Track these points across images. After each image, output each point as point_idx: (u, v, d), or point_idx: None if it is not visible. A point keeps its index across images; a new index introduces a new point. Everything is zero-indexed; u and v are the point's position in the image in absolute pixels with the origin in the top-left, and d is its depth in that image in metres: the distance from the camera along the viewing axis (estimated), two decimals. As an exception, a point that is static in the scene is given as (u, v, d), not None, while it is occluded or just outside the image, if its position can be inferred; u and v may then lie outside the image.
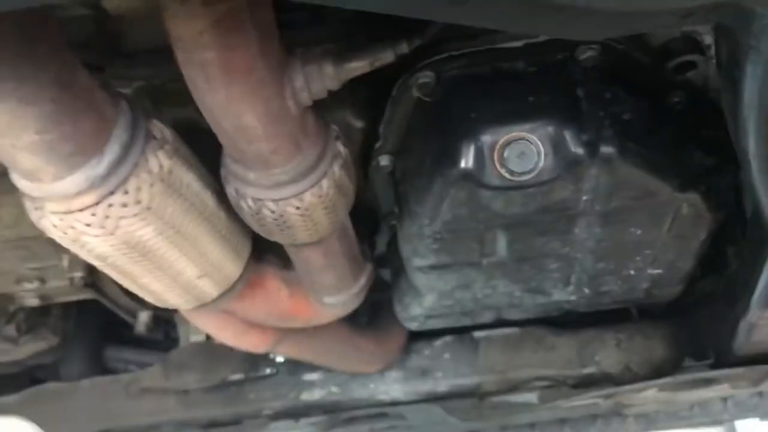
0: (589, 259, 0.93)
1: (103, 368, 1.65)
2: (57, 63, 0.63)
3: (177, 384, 1.46)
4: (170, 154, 0.73)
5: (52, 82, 0.62)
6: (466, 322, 1.10)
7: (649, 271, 0.97)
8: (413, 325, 1.08)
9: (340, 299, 1.03)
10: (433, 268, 0.92)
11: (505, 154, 0.73)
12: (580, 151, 0.74)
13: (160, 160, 0.71)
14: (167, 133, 0.74)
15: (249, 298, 1.00)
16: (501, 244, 0.88)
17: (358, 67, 0.69)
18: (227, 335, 1.12)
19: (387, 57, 0.70)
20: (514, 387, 1.46)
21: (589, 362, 1.44)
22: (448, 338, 1.48)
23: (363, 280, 1.03)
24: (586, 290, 1.01)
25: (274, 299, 1.04)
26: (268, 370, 1.48)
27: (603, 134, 0.74)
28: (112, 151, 0.67)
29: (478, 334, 1.48)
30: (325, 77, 0.68)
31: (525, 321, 1.40)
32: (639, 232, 0.87)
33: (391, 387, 1.48)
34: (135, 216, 0.65)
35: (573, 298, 1.03)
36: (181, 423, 1.52)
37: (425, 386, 1.47)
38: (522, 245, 0.89)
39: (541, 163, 0.72)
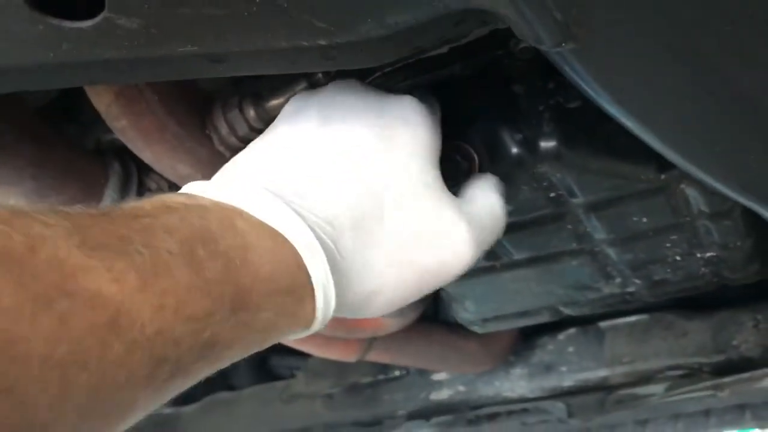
0: (612, 252, 0.86)
1: (271, 375, 1.81)
2: (30, 143, 0.75)
3: (315, 390, 1.58)
4: None
5: (28, 162, 0.74)
6: (527, 322, 1.06)
7: (699, 254, 0.88)
8: (475, 328, 1.07)
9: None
10: (447, 276, 0.91)
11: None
12: (517, 151, 0.70)
13: None
14: (164, 184, 0.84)
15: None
16: (505, 249, 0.86)
17: (278, 104, 0.73)
18: (311, 348, 1.20)
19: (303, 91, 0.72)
20: (644, 378, 1.37)
21: (726, 347, 1.31)
22: (571, 331, 1.43)
23: (411, 290, 1.04)
24: (637, 281, 0.93)
25: (336, 314, 1.10)
26: (397, 372, 1.54)
27: (542, 130, 0.69)
28: None
29: (603, 324, 1.41)
30: (249, 120, 0.73)
31: (653, 306, 1.31)
32: (645, 220, 0.79)
33: (517, 384, 1.46)
34: None
35: (631, 289, 0.96)
36: (328, 425, 1.63)
37: (550, 382, 1.43)
38: (527, 247, 0.85)
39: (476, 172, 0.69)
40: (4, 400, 0.28)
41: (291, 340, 1.17)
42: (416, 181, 0.55)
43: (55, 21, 0.42)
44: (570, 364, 1.42)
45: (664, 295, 0.99)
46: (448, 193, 0.58)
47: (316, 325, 0.49)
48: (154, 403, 0.38)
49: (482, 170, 0.69)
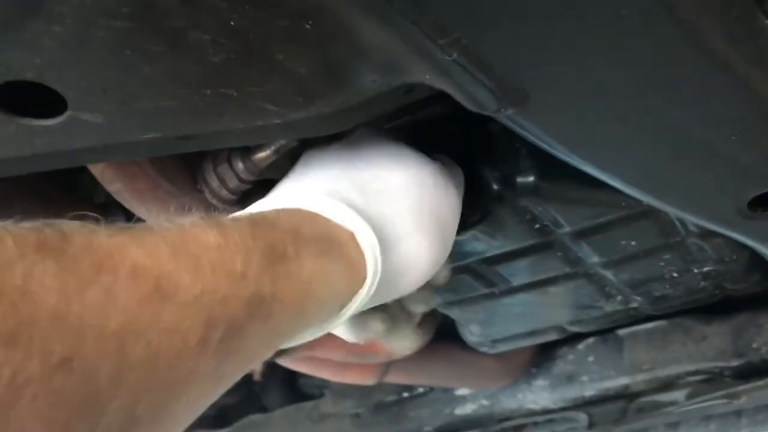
0: (607, 273, 0.87)
1: (301, 395, 1.84)
2: (38, 207, 0.78)
3: (342, 409, 1.60)
4: None
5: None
6: (535, 341, 1.07)
7: (696, 270, 0.88)
8: (484, 350, 1.08)
9: (400, 336, 1.07)
10: (449, 304, 0.93)
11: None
12: (497, 187, 0.72)
13: None
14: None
15: (320, 344, 1.09)
16: (499, 277, 0.87)
17: (265, 156, 0.75)
18: (327, 375, 1.22)
19: (290, 142, 0.75)
20: (665, 385, 1.37)
21: (746, 350, 1.30)
22: (590, 340, 1.43)
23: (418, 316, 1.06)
24: (638, 298, 0.94)
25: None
26: (421, 389, 1.56)
27: (519, 165, 0.71)
28: None
29: (622, 332, 1.41)
30: (239, 173, 0.75)
31: (672, 312, 1.31)
32: (633, 243, 0.80)
33: (539, 395, 1.47)
34: None
35: (633, 305, 0.97)
36: (357, 443, 1.65)
37: (572, 392, 1.44)
38: (522, 274, 0.87)
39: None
40: (64, 371, 0.29)
41: (304, 369, 1.20)
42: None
43: (25, 120, 0.46)
44: (591, 374, 1.42)
45: (669, 308, 1.00)
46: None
47: (371, 270, 0.50)
48: (215, 373, 0.38)
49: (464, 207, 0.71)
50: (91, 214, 0.38)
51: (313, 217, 0.50)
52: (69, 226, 0.34)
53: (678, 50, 0.42)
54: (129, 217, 0.87)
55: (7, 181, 0.76)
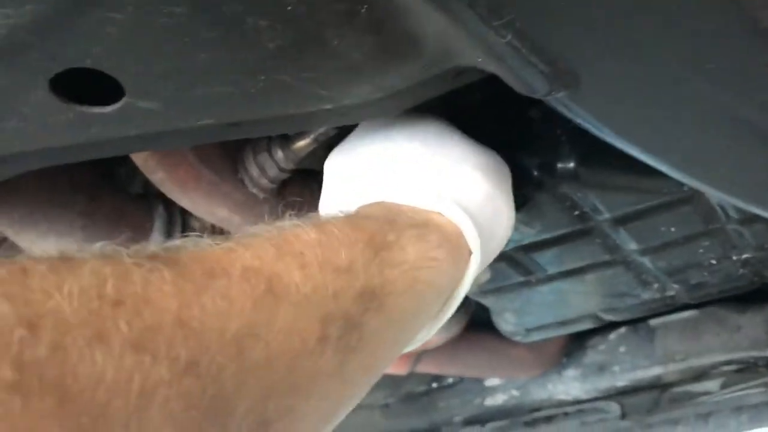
0: (645, 260, 0.87)
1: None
2: (82, 196, 0.80)
3: (371, 400, 1.61)
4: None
5: (79, 214, 0.79)
6: (569, 330, 1.07)
7: (735, 257, 0.88)
8: (518, 339, 1.08)
9: (434, 325, 1.08)
10: (485, 292, 0.94)
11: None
12: (537, 173, 0.72)
13: None
14: (207, 223, 0.88)
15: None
16: (536, 264, 0.87)
17: (304, 145, 0.76)
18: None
19: (329, 131, 0.76)
20: (699, 375, 1.36)
21: (781, 339, 1.29)
22: (622, 330, 1.43)
23: (452, 305, 1.07)
24: (675, 285, 0.94)
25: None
26: (451, 380, 1.56)
27: (559, 152, 0.71)
28: None
29: (654, 321, 1.40)
30: (278, 161, 0.76)
31: (705, 302, 1.30)
32: (673, 229, 0.80)
33: (570, 386, 1.46)
34: None
35: (670, 293, 0.96)
36: (387, 434, 1.66)
37: (603, 382, 1.43)
38: (559, 261, 0.87)
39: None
40: (190, 375, 0.29)
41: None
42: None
43: (83, 108, 0.46)
44: (622, 364, 1.42)
45: (706, 296, 0.99)
46: None
47: (475, 246, 0.50)
48: (341, 374, 0.37)
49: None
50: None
51: (399, 207, 0.50)
52: (172, 242, 0.35)
53: (732, 32, 0.42)
54: (168, 206, 0.88)
55: (49, 170, 0.77)
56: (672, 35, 0.43)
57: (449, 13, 0.40)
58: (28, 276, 0.27)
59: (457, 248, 0.50)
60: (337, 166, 0.60)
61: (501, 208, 0.57)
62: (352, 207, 0.51)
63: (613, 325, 1.39)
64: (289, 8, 0.40)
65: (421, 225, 0.48)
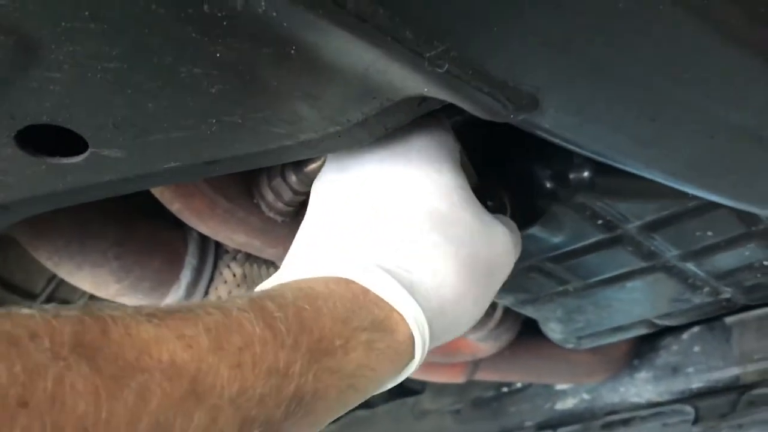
0: (689, 265, 0.82)
1: (404, 390, 1.85)
2: (114, 225, 0.83)
3: (441, 405, 1.60)
4: (242, 262, 0.88)
5: (112, 244, 0.82)
6: (624, 336, 1.03)
7: (788, 257, 0.81)
8: (569, 346, 1.05)
9: (481, 335, 1.06)
10: (522, 303, 0.91)
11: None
12: (551, 185, 0.69)
13: (233, 270, 0.88)
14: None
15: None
16: (570, 274, 0.84)
17: (316, 167, 0.76)
18: (416, 374, 1.22)
19: (339, 152, 0.75)
20: (780, 376, 1.28)
21: None
22: (695, 329, 1.37)
23: (498, 314, 1.04)
24: (728, 288, 0.88)
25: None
26: (519, 384, 1.53)
27: (572, 162, 0.68)
28: (185, 276, 0.85)
29: (729, 319, 1.33)
30: (292, 185, 0.76)
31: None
32: (710, 233, 0.75)
33: (643, 388, 1.41)
34: None
35: (725, 296, 0.91)
36: (458, 439, 1.65)
37: (678, 384, 1.37)
38: (591, 272, 0.83)
39: (508, 213, 0.69)
40: None
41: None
42: (459, 196, 0.54)
43: (53, 159, 0.48)
44: (697, 365, 1.35)
45: (766, 298, 0.93)
46: (482, 206, 0.58)
47: (418, 354, 0.48)
48: None
49: (514, 209, 0.69)
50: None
51: (364, 295, 0.46)
52: (112, 313, 0.34)
53: (690, 35, 0.38)
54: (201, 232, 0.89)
55: (81, 207, 0.80)
56: (634, 52, 0.40)
57: (380, 49, 0.39)
58: None
59: (403, 355, 0.47)
60: (323, 193, 0.59)
61: (469, 308, 0.53)
62: (323, 263, 0.49)
63: (686, 324, 1.33)
64: (218, 56, 0.39)
65: (377, 327, 0.45)
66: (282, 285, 0.46)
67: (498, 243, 0.55)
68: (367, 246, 0.50)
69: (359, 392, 0.44)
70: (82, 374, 0.30)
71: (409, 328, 0.46)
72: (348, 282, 0.46)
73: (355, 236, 0.51)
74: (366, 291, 0.46)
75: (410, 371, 0.49)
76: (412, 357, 0.48)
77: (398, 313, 0.47)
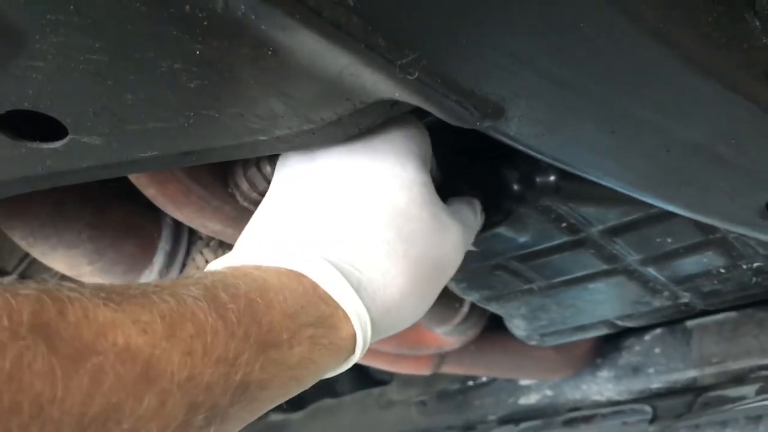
0: (649, 270, 0.85)
1: (371, 380, 1.87)
2: (86, 211, 0.84)
3: (407, 396, 1.63)
4: (215, 249, 0.90)
5: (86, 225, 0.83)
6: (586, 335, 1.06)
7: (745, 266, 0.85)
8: (533, 343, 1.08)
9: (448, 329, 1.08)
10: (486, 299, 0.93)
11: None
12: (518, 187, 0.71)
13: (205, 256, 0.89)
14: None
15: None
16: (535, 273, 0.87)
17: (291, 159, 0.77)
18: (383, 365, 1.25)
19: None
20: (736, 379, 1.32)
21: (823, 344, 1.24)
22: (658, 331, 1.40)
23: (464, 310, 1.07)
24: (687, 293, 0.91)
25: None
26: (485, 378, 1.56)
27: (539, 165, 0.70)
28: (158, 261, 0.86)
29: (690, 323, 1.37)
30: (267, 175, 0.78)
31: (745, 303, 1.26)
32: (670, 240, 0.78)
33: (604, 387, 1.44)
34: None
35: (683, 300, 0.94)
36: (424, 430, 1.68)
37: (638, 384, 1.41)
38: (555, 272, 0.86)
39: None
40: None
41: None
42: (419, 192, 0.56)
43: (33, 144, 0.49)
44: (658, 366, 1.39)
45: (723, 304, 0.96)
46: (442, 203, 0.60)
47: (359, 350, 0.49)
48: None
49: (484, 210, 0.71)
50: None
51: (314, 291, 0.48)
52: (70, 294, 0.35)
53: (647, 56, 0.41)
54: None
55: (57, 189, 0.81)
56: (594, 70, 0.42)
57: (354, 54, 0.40)
58: None
59: (344, 351, 0.49)
60: (287, 177, 0.60)
61: (414, 306, 0.54)
62: (277, 252, 0.50)
63: (649, 326, 1.36)
64: (198, 53, 0.41)
65: (322, 323, 0.47)
66: (236, 273, 0.47)
67: (449, 243, 0.57)
68: (323, 240, 0.52)
69: (300, 383, 0.47)
70: (39, 354, 0.31)
71: (353, 327, 0.49)
72: (299, 276, 0.48)
73: (312, 228, 0.53)
74: (315, 286, 0.48)
75: (350, 365, 0.52)
76: (353, 352, 0.50)
77: (343, 310, 0.49)
